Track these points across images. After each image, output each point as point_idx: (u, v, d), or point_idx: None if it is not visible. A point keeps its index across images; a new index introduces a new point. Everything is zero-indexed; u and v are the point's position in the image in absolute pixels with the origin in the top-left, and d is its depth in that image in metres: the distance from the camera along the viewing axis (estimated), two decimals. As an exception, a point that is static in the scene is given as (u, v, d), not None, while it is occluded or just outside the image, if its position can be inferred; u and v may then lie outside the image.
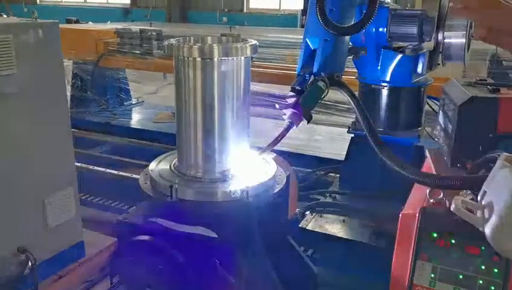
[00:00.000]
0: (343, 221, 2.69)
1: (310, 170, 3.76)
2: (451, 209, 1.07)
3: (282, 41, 5.51)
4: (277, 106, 1.82)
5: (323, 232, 2.60)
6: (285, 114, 1.80)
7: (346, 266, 2.56)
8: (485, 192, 1.02)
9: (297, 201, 2.71)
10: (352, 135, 2.96)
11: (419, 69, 2.68)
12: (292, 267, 2.13)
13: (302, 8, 13.85)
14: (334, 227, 2.63)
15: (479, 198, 1.04)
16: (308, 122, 1.79)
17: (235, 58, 1.70)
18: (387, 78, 2.66)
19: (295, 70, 2.02)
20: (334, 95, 2.02)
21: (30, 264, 2.37)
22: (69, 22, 6.50)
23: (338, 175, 3.35)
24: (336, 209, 2.81)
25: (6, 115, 2.31)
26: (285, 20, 14.97)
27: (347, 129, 2.96)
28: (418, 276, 1.29)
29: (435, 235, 1.28)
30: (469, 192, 1.22)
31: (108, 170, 4.15)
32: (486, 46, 4.29)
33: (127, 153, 4.80)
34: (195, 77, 1.70)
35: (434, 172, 1.56)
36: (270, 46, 5.33)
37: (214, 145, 1.76)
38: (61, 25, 2.62)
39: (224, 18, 16.42)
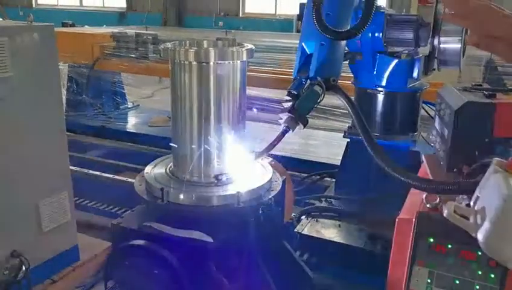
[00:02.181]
0: (339, 226, 2.68)
1: (305, 175, 3.75)
2: (444, 214, 1.07)
3: (278, 46, 5.51)
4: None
5: (319, 237, 2.59)
6: (281, 118, 1.80)
7: (342, 270, 2.56)
8: (477, 197, 1.02)
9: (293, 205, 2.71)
10: (348, 140, 2.96)
11: (415, 74, 2.69)
12: (288, 272, 2.12)
13: (297, 13, 13.91)
14: (330, 232, 2.63)
15: (471, 203, 1.04)
16: (304, 127, 1.78)
17: (231, 62, 1.70)
18: (383, 83, 2.67)
19: (291, 75, 2.02)
20: (329, 99, 2.01)
21: (24, 268, 2.35)
22: (64, 25, 6.50)
23: (334, 180, 3.35)
24: (331, 213, 2.80)
25: (0, 118, 2.29)
26: (280, 25, 15.00)
27: (343, 134, 2.96)
28: (415, 281, 1.29)
29: (432, 240, 1.28)
30: (465, 197, 1.22)
31: (103, 174, 4.13)
32: (481, 52, 4.33)
33: (122, 156, 4.78)
34: (191, 81, 1.70)
35: (430, 177, 1.55)
36: (265, 51, 5.33)
37: (209, 149, 1.76)
38: (56, 29, 2.61)
39: (220, 22, 16.44)
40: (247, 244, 1.76)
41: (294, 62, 2.06)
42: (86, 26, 7.31)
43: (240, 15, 16.91)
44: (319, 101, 1.79)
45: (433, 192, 1.29)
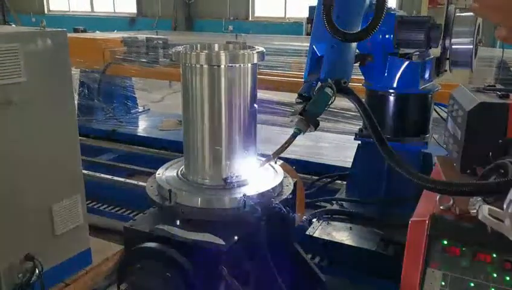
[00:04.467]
0: (350, 228, 2.67)
1: (316, 177, 3.74)
2: (479, 217, 1.06)
3: (288, 49, 5.52)
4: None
5: (331, 239, 2.58)
6: (292, 121, 1.80)
7: (354, 273, 2.55)
8: (510, 201, 1.00)
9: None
10: (359, 142, 2.95)
11: (426, 76, 2.68)
12: (299, 275, 2.11)
13: (307, 16, 13.90)
14: (342, 234, 2.62)
15: (504, 206, 1.02)
16: (315, 129, 1.78)
17: (242, 65, 1.70)
18: (394, 85, 2.65)
19: (301, 78, 2.03)
20: (340, 102, 2.01)
21: (37, 271, 2.37)
22: (76, 31, 6.56)
23: (345, 182, 3.34)
24: (343, 216, 2.79)
25: (15, 122, 2.32)
26: (290, 28, 14.99)
27: (354, 136, 2.95)
28: (428, 284, 1.28)
29: (445, 242, 1.27)
30: (479, 199, 1.21)
31: (114, 177, 4.15)
32: (493, 53, 4.29)
33: (133, 160, 4.81)
34: (203, 84, 1.70)
35: (443, 179, 1.54)
36: (275, 54, 5.34)
37: (220, 152, 1.76)
38: (68, 34, 2.64)
39: (229, 26, 16.49)
40: (253, 248, 1.76)
41: (305, 64, 2.07)
42: (97, 31, 7.37)
43: (250, 19, 16.94)
44: (330, 103, 1.79)
45: (457, 194, 1.25)
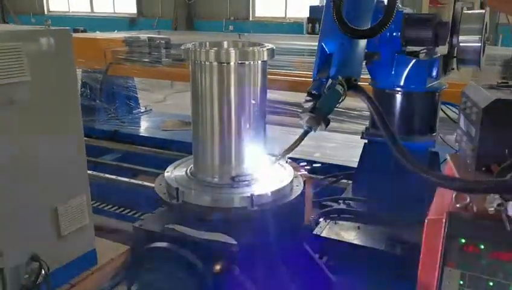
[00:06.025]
0: (358, 228, 2.65)
1: (322, 177, 3.72)
2: (509, 214, 1.04)
3: (291, 48, 5.49)
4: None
5: (338, 239, 2.56)
6: (301, 119, 1.77)
7: (362, 273, 2.52)
8: None
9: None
10: (366, 141, 2.93)
11: (434, 74, 2.66)
12: (307, 274, 2.10)
13: (308, 16, 13.92)
14: (349, 234, 2.60)
15: None
16: (326, 127, 1.76)
17: (252, 62, 1.69)
18: (402, 83, 2.64)
19: (304, 77, 2.00)
20: (344, 101, 1.98)
21: (43, 272, 2.34)
22: (76, 31, 6.54)
23: (350, 182, 3.32)
24: (350, 215, 2.77)
25: (19, 122, 2.29)
26: (291, 28, 14.99)
27: (360, 135, 2.93)
28: (446, 283, 1.26)
29: (463, 240, 1.24)
30: (497, 197, 1.19)
31: (118, 178, 4.12)
32: (495, 51, 4.27)
33: (136, 160, 4.79)
34: (212, 82, 1.68)
35: (457, 176, 1.52)
36: (278, 54, 5.31)
37: (229, 151, 1.75)
38: (69, 34, 2.61)
39: (230, 26, 16.49)
40: (263, 247, 1.74)
41: (314, 63, 2.04)
42: (97, 32, 7.35)
43: (250, 19, 16.93)
44: (340, 100, 1.77)
45: (482, 192, 1.23)
